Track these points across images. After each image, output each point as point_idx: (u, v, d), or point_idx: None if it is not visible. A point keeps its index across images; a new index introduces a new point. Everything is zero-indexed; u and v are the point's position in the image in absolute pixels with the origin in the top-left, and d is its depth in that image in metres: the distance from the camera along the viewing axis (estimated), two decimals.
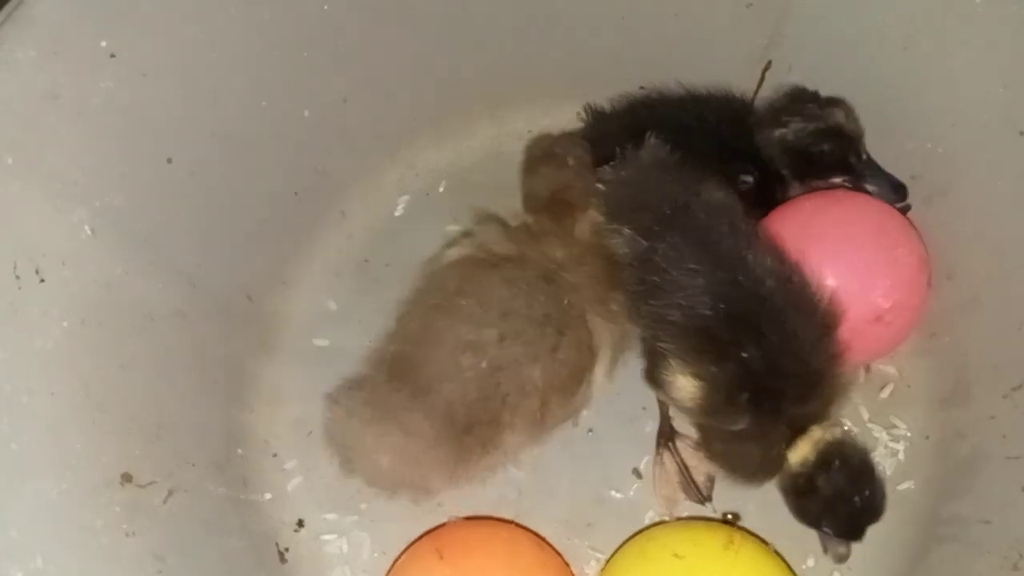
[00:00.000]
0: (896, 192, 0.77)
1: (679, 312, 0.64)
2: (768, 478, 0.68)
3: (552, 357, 0.69)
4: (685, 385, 0.66)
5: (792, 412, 0.65)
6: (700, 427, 0.72)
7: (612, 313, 0.72)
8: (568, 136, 0.84)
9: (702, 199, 0.66)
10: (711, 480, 0.76)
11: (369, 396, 0.70)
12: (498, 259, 0.72)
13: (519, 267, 0.71)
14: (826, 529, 0.66)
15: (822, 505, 0.65)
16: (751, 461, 0.68)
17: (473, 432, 0.68)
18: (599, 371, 0.72)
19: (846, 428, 0.68)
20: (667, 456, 0.76)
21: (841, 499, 0.64)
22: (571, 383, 0.71)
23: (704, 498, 0.76)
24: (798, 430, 0.65)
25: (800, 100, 0.79)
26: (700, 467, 0.76)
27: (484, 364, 0.67)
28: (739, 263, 0.64)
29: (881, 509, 0.65)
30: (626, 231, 0.67)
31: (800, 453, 0.65)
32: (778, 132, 0.78)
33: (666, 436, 0.77)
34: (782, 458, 0.65)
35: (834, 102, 0.78)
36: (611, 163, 0.70)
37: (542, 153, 0.82)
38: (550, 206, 0.77)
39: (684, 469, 0.75)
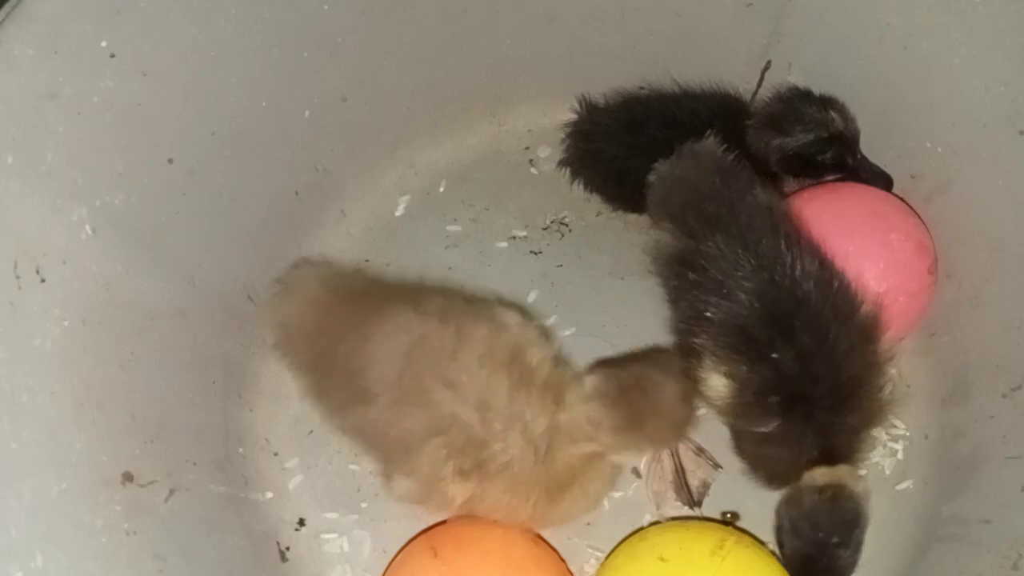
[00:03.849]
0: (887, 185, 0.78)
1: (717, 309, 0.65)
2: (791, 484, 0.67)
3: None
4: (716, 384, 0.66)
5: (825, 420, 0.64)
6: (731, 426, 0.72)
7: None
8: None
9: (747, 201, 0.67)
10: (705, 486, 0.76)
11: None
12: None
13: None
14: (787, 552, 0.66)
15: (793, 544, 0.65)
16: (778, 465, 0.67)
17: None
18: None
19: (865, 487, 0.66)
20: (666, 456, 0.76)
21: (810, 548, 0.64)
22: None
23: (693, 502, 0.75)
24: (834, 451, 0.65)
25: (797, 104, 0.78)
26: (697, 472, 0.76)
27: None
28: (779, 263, 0.64)
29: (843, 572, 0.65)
30: (670, 226, 0.69)
31: (814, 477, 0.65)
32: (779, 141, 0.77)
33: None
34: (804, 468, 0.65)
35: (829, 102, 0.77)
36: (671, 156, 0.71)
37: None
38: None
39: (680, 471, 0.75)
